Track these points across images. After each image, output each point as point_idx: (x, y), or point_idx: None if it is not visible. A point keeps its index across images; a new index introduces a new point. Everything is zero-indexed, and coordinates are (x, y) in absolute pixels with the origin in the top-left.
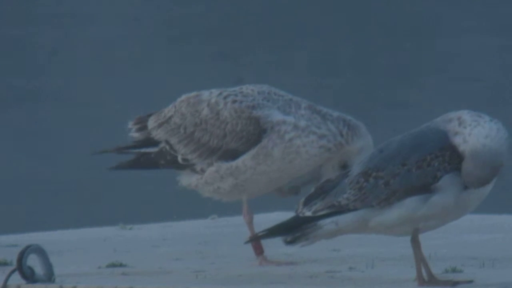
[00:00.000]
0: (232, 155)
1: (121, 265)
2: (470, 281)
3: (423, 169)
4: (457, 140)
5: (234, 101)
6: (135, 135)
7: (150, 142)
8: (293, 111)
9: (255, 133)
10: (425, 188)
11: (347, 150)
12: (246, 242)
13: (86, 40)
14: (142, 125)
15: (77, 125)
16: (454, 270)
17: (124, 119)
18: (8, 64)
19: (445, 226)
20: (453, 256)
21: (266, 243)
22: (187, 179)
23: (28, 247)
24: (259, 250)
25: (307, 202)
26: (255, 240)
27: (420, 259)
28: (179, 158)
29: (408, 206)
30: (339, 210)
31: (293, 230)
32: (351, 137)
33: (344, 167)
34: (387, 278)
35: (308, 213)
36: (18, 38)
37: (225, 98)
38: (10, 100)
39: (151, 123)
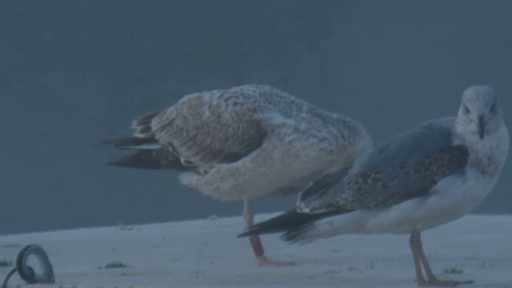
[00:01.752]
0: (234, 157)
1: (120, 265)
2: (470, 282)
3: (421, 172)
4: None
5: (235, 104)
6: (140, 136)
7: (151, 139)
8: (294, 113)
9: (256, 136)
10: (423, 191)
11: (351, 153)
12: (240, 236)
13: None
14: (146, 126)
15: (72, 126)
16: (454, 271)
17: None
18: None
19: (445, 226)
20: (453, 256)
21: (266, 244)
22: (187, 178)
23: (27, 247)
24: (259, 251)
25: (305, 196)
26: (251, 235)
27: (419, 260)
28: (182, 160)
29: (405, 208)
30: (336, 210)
31: (288, 228)
32: (353, 138)
33: None
34: (386, 279)
35: (306, 210)
36: None
37: (226, 100)
38: None
39: (154, 124)
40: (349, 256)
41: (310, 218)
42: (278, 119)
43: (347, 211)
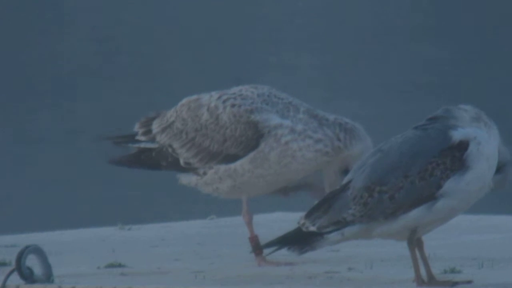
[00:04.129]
0: (232, 159)
1: (120, 265)
2: (469, 282)
3: (426, 180)
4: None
5: (233, 105)
6: (141, 138)
7: (152, 141)
8: (291, 115)
9: (253, 137)
10: (430, 197)
11: (348, 155)
12: (253, 253)
13: None
14: (147, 129)
15: (73, 121)
16: (453, 271)
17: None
18: None
19: (444, 226)
20: (452, 256)
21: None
22: (187, 178)
23: (27, 247)
24: (258, 251)
25: (309, 214)
26: (261, 259)
27: (417, 260)
28: (182, 162)
29: (415, 216)
30: (345, 227)
31: (300, 244)
32: (349, 141)
33: (346, 172)
34: (386, 279)
35: (312, 228)
36: None
37: (224, 102)
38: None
39: (155, 127)
40: (348, 256)
41: (319, 234)
42: (275, 120)
43: (355, 224)
